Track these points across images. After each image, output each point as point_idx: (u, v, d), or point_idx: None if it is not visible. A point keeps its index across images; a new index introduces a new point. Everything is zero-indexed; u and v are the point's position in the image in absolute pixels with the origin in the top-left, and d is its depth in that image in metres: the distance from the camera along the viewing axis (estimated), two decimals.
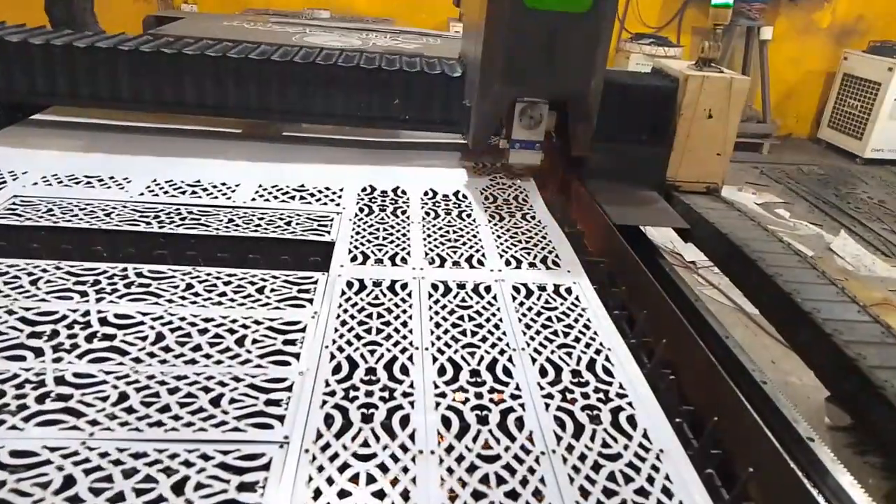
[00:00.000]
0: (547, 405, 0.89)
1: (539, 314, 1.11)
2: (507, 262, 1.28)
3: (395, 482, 0.74)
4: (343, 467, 0.75)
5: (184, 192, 1.45)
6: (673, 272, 1.50)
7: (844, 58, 6.00)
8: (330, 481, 0.73)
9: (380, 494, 0.72)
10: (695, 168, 1.98)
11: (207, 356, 0.92)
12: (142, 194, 1.42)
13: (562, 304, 1.14)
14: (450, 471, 0.76)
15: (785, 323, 1.34)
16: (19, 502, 0.66)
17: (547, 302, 1.15)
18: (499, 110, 1.63)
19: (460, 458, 0.78)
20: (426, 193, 1.57)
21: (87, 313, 0.99)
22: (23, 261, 1.11)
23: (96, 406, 0.81)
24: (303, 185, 1.54)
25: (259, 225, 1.34)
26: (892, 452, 1.02)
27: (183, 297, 1.05)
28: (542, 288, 1.19)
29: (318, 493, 0.71)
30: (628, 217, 1.63)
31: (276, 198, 1.47)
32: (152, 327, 0.97)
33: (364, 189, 1.56)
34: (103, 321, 0.97)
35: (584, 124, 1.68)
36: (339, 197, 1.50)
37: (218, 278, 1.12)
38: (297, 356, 0.94)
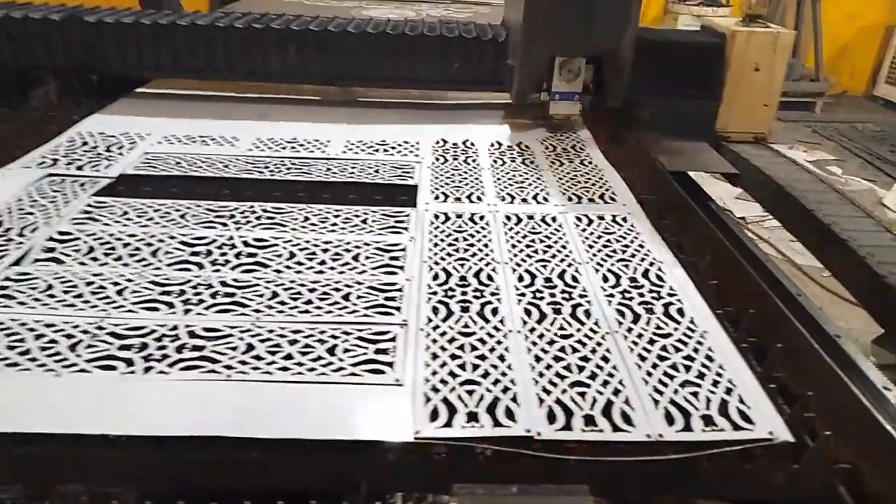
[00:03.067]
0: (609, 301, 1.08)
1: (599, 237, 1.30)
2: (569, 199, 1.47)
3: (492, 350, 0.95)
4: (451, 340, 0.96)
5: (284, 148, 1.68)
6: (720, 211, 1.66)
7: None
8: (443, 348, 0.94)
9: (482, 357, 0.93)
10: (743, 119, 2.11)
11: (332, 268, 1.15)
12: (250, 150, 1.66)
13: (619, 229, 1.33)
14: (534, 343, 0.97)
15: (823, 250, 1.49)
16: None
17: (606, 228, 1.34)
18: (539, 66, 1.82)
19: (541, 336, 0.99)
20: (492, 145, 1.77)
21: (231, 238, 1.22)
22: (168, 200, 1.36)
23: (255, 301, 1.04)
24: (384, 140, 1.76)
25: (353, 172, 1.56)
26: None
27: (303, 227, 1.28)
28: (601, 217, 1.38)
29: (434, 356, 0.93)
30: (679, 164, 1.79)
31: (363, 151, 1.68)
32: (284, 248, 1.20)
33: (437, 142, 1.77)
34: (246, 243, 1.21)
35: (618, 77, 1.85)
36: (417, 149, 1.71)
37: (328, 212, 1.34)
38: (401, 268, 1.16)
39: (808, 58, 5.97)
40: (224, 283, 1.08)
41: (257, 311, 1.01)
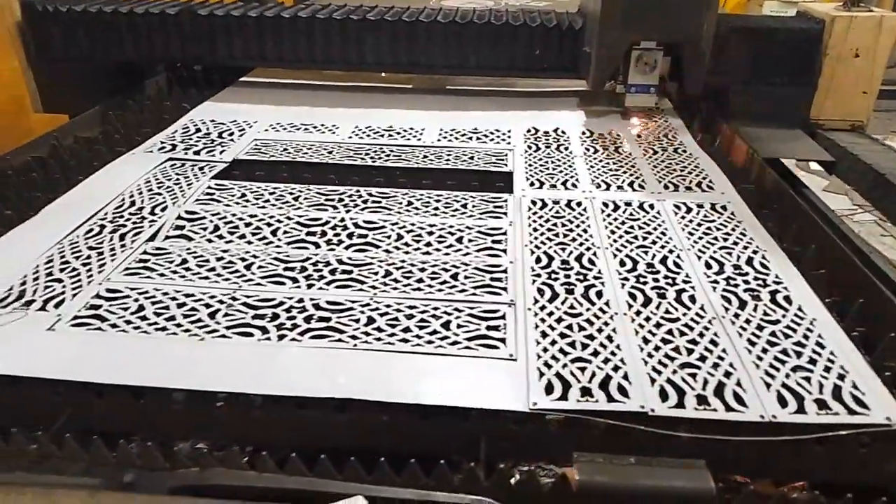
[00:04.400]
0: (714, 287, 1.09)
1: (699, 225, 1.30)
2: (666, 187, 1.47)
3: (600, 331, 0.98)
4: (559, 320, 1.00)
5: (382, 136, 1.75)
6: (817, 199, 1.63)
7: None
8: (551, 327, 0.98)
9: (590, 337, 0.96)
10: (839, 107, 2.05)
11: (438, 250, 1.20)
12: (350, 137, 1.73)
13: (719, 217, 1.33)
14: (641, 326, 0.99)
15: None
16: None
17: (706, 216, 1.34)
18: (616, 55, 1.83)
19: (648, 319, 1.01)
20: (583, 133, 1.78)
21: (342, 220, 1.29)
22: (281, 184, 1.44)
23: (370, 279, 1.10)
24: (476, 129, 1.80)
25: (448, 159, 1.60)
26: None
27: (408, 210, 1.34)
28: (699, 206, 1.38)
29: (544, 335, 0.97)
30: (774, 151, 1.77)
31: (456, 139, 1.73)
32: (392, 230, 1.26)
33: (528, 130, 1.79)
34: (356, 225, 1.28)
35: (697, 64, 1.82)
36: (509, 137, 1.75)
37: (430, 198, 1.40)
38: (504, 251, 1.20)
39: None
40: (340, 262, 1.15)
41: (374, 287, 1.07)
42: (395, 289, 1.07)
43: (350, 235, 1.24)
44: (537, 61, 2.04)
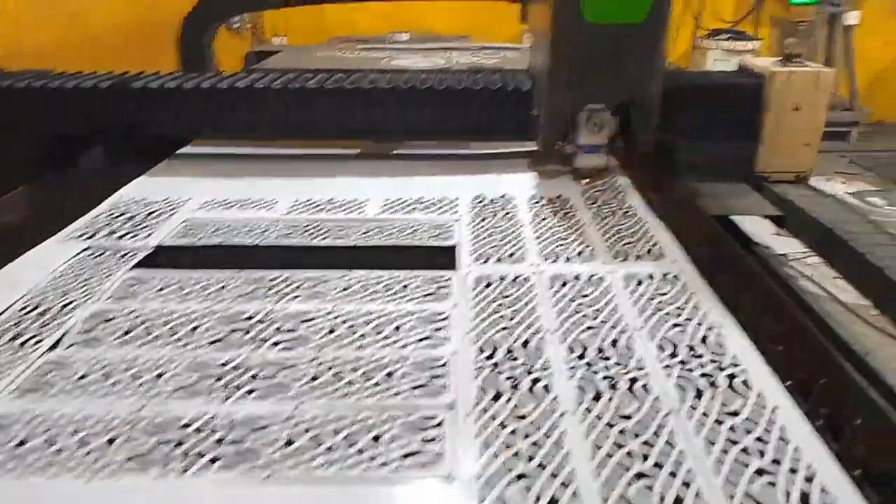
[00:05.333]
0: (668, 374, 1.02)
1: (651, 299, 1.24)
2: (615, 256, 1.41)
3: (547, 435, 0.89)
4: (502, 425, 0.91)
5: (322, 210, 1.67)
6: (770, 258, 1.59)
7: None
8: (494, 435, 0.89)
9: (537, 444, 0.87)
10: (783, 159, 2.06)
11: (374, 342, 1.11)
12: (288, 213, 1.64)
13: (671, 289, 1.27)
14: (591, 426, 0.91)
15: (884, 300, 1.41)
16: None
17: (657, 288, 1.28)
18: (564, 117, 1.79)
19: (599, 417, 0.93)
20: (532, 198, 1.73)
21: (270, 311, 1.19)
22: (208, 272, 1.34)
23: (296, 385, 1.00)
24: (422, 197, 1.73)
25: (391, 234, 1.53)
26: None
27: (343, 296, 1.25)
28: (650, 276, 1.32)
29: (486, 444, 0.87)
30: (722, 208, 1.74)
31: (401, 210, 1.66)
32: (325, 321, 1.17)
33: (476, 197, 1.73)
34: (286, 316, 1.18)
35: (645, 123, 1.80)
36: (455, 206, 1.68)
37: (368, 279, 1.31)
38: (446, 340, 1.12)
39: (841, 86, 5.86)
40: (263, 364, 1.05)
41: (298, 395, 0.97)
42: (323, 395, 0.97)
43: (278, 329, 1.14)
44: (485, 125, 2.01)
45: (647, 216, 1.61)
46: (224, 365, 1.04)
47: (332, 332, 1.14)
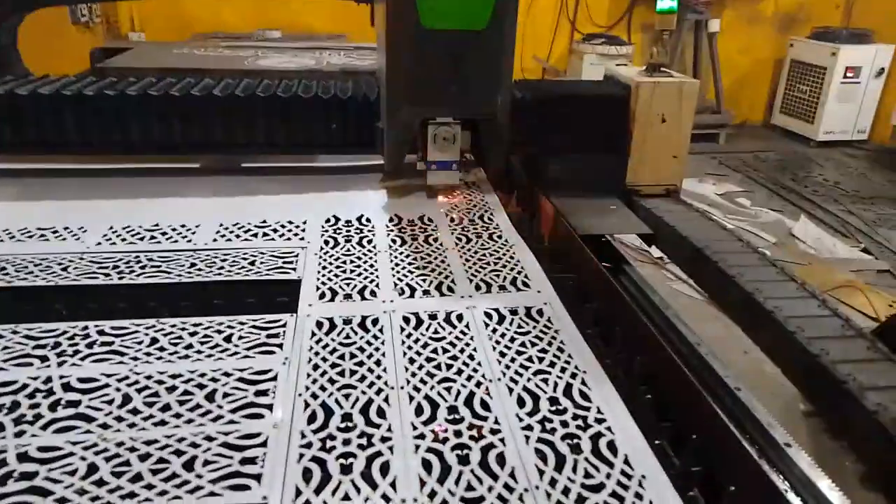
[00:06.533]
0: (527, 437, 0.88)
1: (513, 340, 1.10)
2: (478, 287, 1.27)
3: None
4: None
5: (142, 238, 1.42)
6: (641, 281, 1.51)
7: (790, 45, 6.15)
8: None
9: None
10: (653, 172, 2.01)
11: (178, 415, 0.90)
12: (99, 244, 1.38)
13: (534, 326, 1.14)
14: None
15: (749, 321, 1.36)
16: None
17: (520, 326, 1.15)
18: (409, 131, 1.63)
19: (445, 502, 0.77)
20: (390, 220, 1.56)
21: (48, 380, 0.95)
22: None
23: (64, 482, 0.78)
24: (265, 221, 1.52)
25: (222, 267, 1.31)
26: (860, 446, 1.03)
27: (148, 353, 1.02)
28: (513, 312, 1.19)
29: None
30: (593, 227, 1.65)
31: (238, 237, 1.44)
32: (118, 389, 0.94)
33: (328, 220, 1.54)
34: (66, 387, 0.94)
35: (495, 139, 1.68)
36: (303, 230, 1.49)
37: (183, 329, 1.09)
38: (269, 407, 0.93)
39: (709, 90, 6.14)
40: (24, 458, 0.81)
41: (62, 500, 0.75)
42: (97, 499, 0.76)
43: (54, 405, 0.91)
44: (335, 137, 1.82)
45: (513, 238, 1.49)
46: None
47: (123, 404, 0.91)
